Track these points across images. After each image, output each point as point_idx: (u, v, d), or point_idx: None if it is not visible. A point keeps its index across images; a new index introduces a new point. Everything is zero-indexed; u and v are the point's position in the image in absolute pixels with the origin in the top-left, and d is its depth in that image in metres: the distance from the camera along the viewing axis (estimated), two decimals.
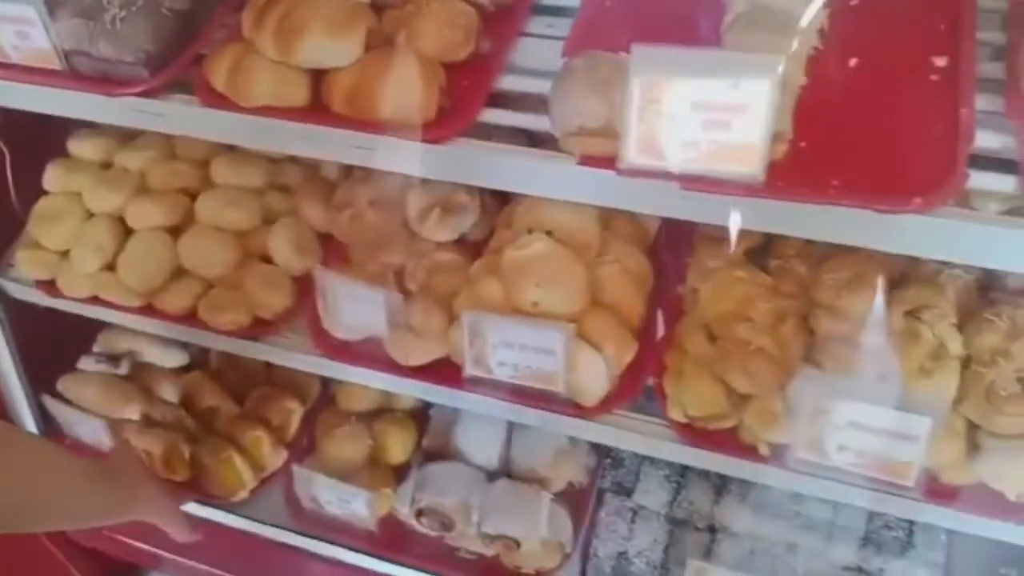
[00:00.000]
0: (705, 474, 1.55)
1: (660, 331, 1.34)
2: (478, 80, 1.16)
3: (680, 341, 1.26)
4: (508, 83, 1.19)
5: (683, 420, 1.22)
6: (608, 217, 1.35)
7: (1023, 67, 0.97)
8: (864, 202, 0.93)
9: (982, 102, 1.01)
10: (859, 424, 1.06)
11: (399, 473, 1.68)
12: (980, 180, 0.95)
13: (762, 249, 1.30)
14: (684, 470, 1.58)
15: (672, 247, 1.42)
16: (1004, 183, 0.95)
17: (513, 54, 1.22)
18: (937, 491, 1.12)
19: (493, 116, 1.15)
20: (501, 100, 1.18)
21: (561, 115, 1.04)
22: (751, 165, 0.95)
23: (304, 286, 1.53)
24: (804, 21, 1.07)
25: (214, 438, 1.74)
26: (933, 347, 1.08)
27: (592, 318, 1.23)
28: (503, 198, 1.44)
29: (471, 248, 1.44)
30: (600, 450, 1.67)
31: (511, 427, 1.62)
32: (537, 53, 1.22)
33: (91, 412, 1.77)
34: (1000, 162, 0.98)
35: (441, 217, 1.39)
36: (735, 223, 1.02)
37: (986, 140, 0.98)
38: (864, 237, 0.98)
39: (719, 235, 1.31)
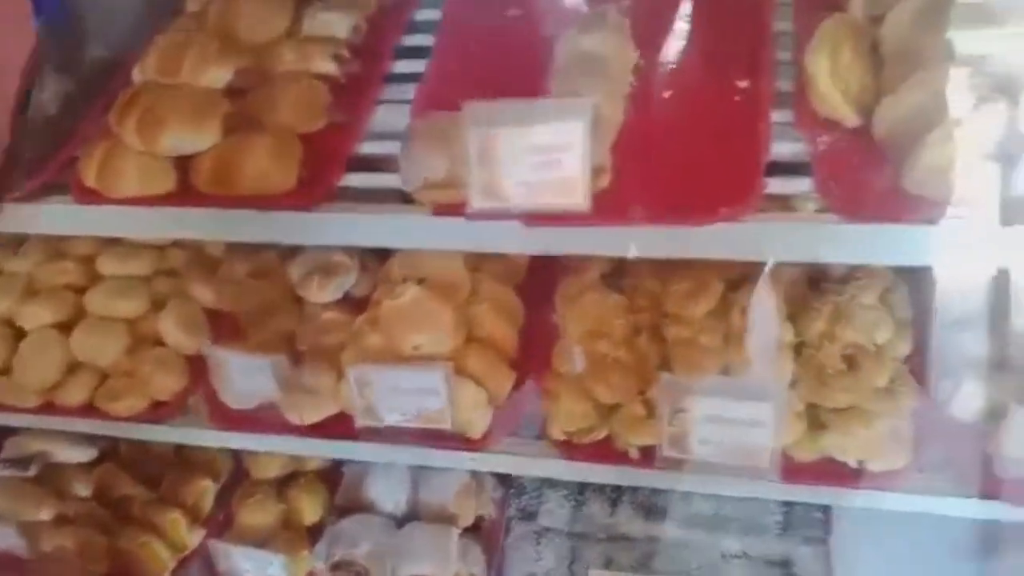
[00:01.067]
0: (601, 488, 1.63)
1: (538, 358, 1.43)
2: (336, 148, 1.24)
3: (554, 365, 1.34)
4: (370, 148, 1.27)
5: (562, 438, 1.30)
6: (479, 259, 1.44)
7: (804, 81, 1.09)
8: (679, 219, 1.04)
9: (781, 115, 1.14)
10: (713, 418, 1.15)
11: (315, 533, 1.70)
12: (787, 185, 1.07)
13: (620, 270, 1.40)
14: (582, 487, 1.65)
15: (544, 277, 1.51)
16: (802, 185, 1.07)
17: (373, 120, 1.30)
18: (792, 469, 1.23)
19: (356, 180, 1.23)
20: (366, 164, 1.27)
21: (409, 172, 1.13)
22: (577, 198, 1.05)
23: (200, 364, 1.56)
24: (619, 63, 1.19)
25: (131, 526, 1.73)
26: (768, 338, 1.19)
27: (469, 355, 1.31)
28: (383, 253, 1.52)
29: (357, 304, 1.50)
30: (506, 481, 1.73)
31: (415, 470, 1.67)
32: (393, 118, 1.32)
33: (2, 519, 1.75)
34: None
35: (322, 280, 1.46)
36: (575, 250, 1.12)
37: (785, 148, 1.11)
38: (687, 248, 1.08)
39: (577, 263, 1.41)
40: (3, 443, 1.88)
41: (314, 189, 1.18)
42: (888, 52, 1.05)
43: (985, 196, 0.95)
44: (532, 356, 1.39)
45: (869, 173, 1.01)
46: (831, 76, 1.02)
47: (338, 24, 1.35)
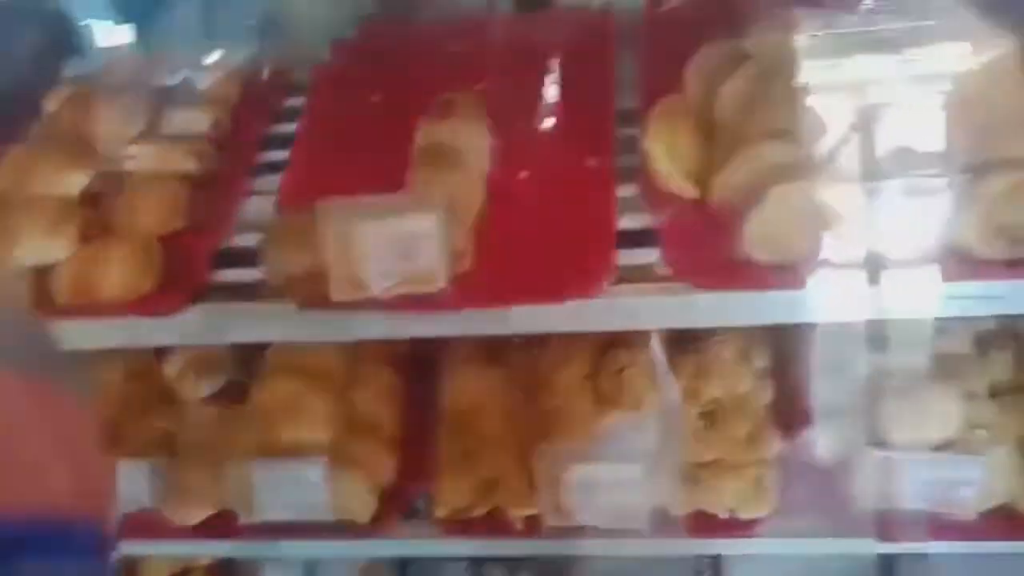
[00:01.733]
0: (499, 558, 1.63)
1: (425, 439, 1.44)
2: (200, 247, 1.23)
3: (439, 444, 1.35)
4: (243, 240, 1.26)
5: (449, 515, 1.30)
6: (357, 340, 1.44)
7: (644, 159, 1.15)
8: (536, 299, 1.08)
9: (629, 189, 1.19)
10: (589, 483, 1.18)
11: None
12: (637, 256, 1.12)
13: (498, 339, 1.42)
14: (480, 559, 1.65)
15: (425, 352, 1.52)
16: (651, 256, 1.12)
17: (243, 212, 1.30)
18: (671, 525, 1.26)
19: (229, 276, 1.22)
20: (240, 257, 1.26)
21: (272, 268, 1.13)
22: (438, 283, 1.07)
23: None
24: (474, 148, 1.23)
25: None
26: (634, 401, 1.23)
27: (349, 443, 1.30)
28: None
29: (237, 396, 1.48)
30: (404, 561, 1.71)
31: (310, 563, 1.64)
32: (262, 209, 1.31)
33: None
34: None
35: (198, 375, 1.44)
36: (441, 333, 1.14)
37: (635, 221, 1.16)
38: (549, 324, 1.12)
39: (454, 340, 1.43)
40: None
41: (175, 292, 1.17)
42: (720, 127, 1.12)
43: (815, 256, 1.02)
44: (416, 436, 1.40)
45: (710, 243, 1.07)
46: (668, 155, 1.08)
47: (197, 121, 1.35)
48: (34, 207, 1.18)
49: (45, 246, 1.16)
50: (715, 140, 1.12)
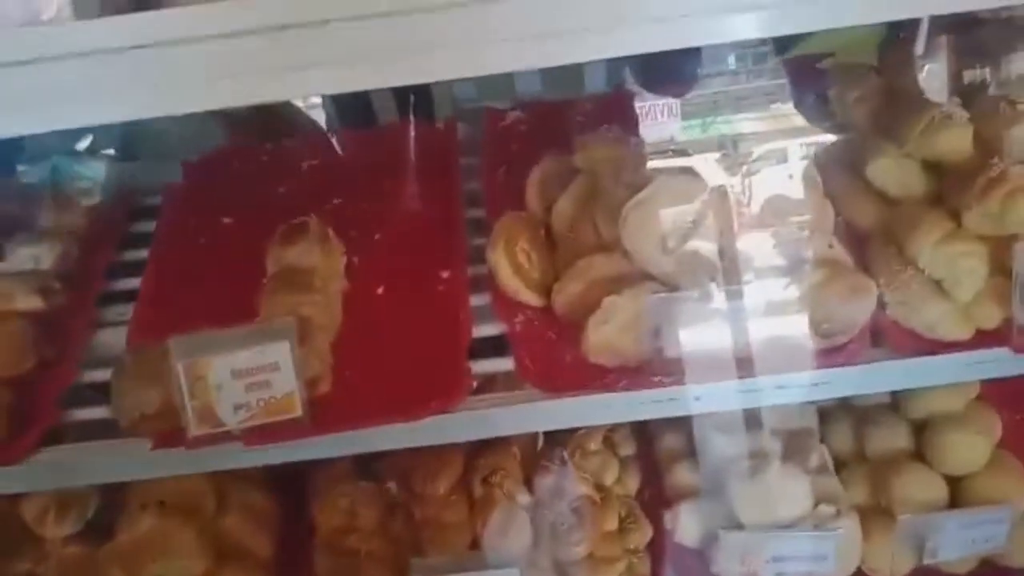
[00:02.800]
0: None
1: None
2: (49, 386, 1.19)
3: (314, 565, 1.32)
4: (94, 376, 1.23)
5: None
6: None
7: (492, 269, 1.19)
8: (392, 417, 1.09)
9: (482, 298, 1.23)
10: None
11: None
12: (492, 365, 1.15)
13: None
14: None
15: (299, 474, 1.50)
16: (506, 364, 1.15)
17: (94, 347, 1.28)
18: None
19: (80, 414, 1.19)
20: (87, 395, 1.23)
21: (122, 408, 1.11)
22: (295, 411, 1.07)
23: None
24: (327, 269, 1.25)
25: None
26: (505, 504, 1.25)
27: (222, 572, 1.27)
28: None
29: (106, 530, 1.41)
30: None
31: None
32: (115, 340, 1.29)
33: None
34: None
35: (58, 514, 1.37)
36: (304, 457, 1.13)
37: (491, 329, 1.19)
38: (410, 440, 1.13)
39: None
40: None
41: (22, 439, 1.13)
42: (559, 239, 1.17)
43: (658, 355, 1.07)
44: (291, 558, 1.37)
45: (557, 349, 1.12)
46: (511, 267, 1.12)
47: (43, 255, 1.32)
48: None
49: None
50: (555, 251, 1.17)
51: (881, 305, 1.07)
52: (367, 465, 1.39)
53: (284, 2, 0.72)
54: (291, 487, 1.42)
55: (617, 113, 1.32)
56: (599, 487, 1.29)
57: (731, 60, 1.91)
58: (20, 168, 1.50)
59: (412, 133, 1.48)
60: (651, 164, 1.17)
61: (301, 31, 0.72)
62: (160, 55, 0.74)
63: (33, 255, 1.32)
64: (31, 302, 1.24)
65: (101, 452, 1.14)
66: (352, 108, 1.85)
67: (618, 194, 1.10)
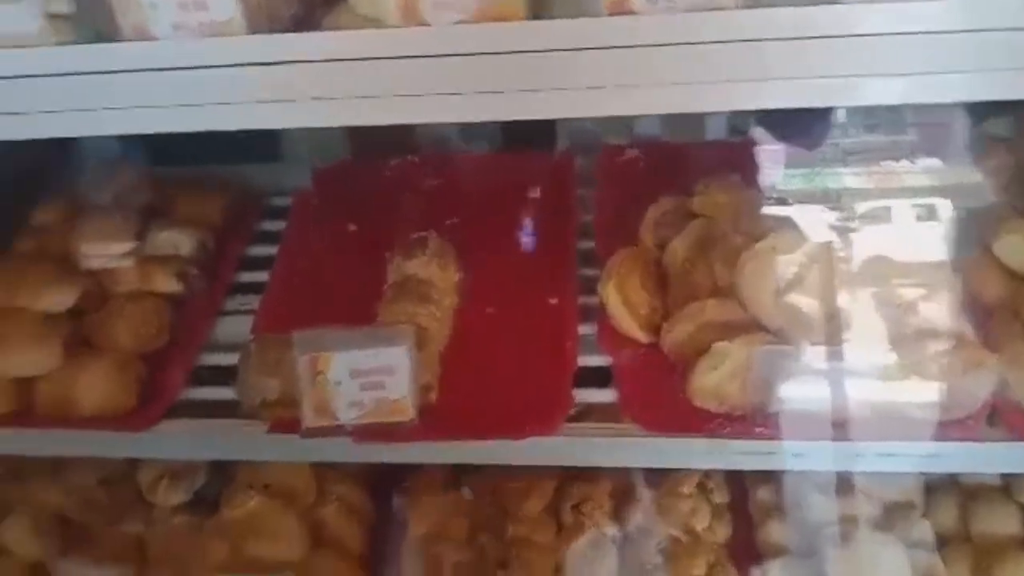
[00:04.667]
0: None
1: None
2: (176, 364, 1.28)
3: (402, 567, 1.37)
4: (215, 359, 1.31)
5: None
6: None
7: (603, 302, 1.21)
8: (495, 434, 1.12)
9: (591, 328, 1.25)
10: None
11: None
12: (595, 395, 1.17)
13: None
14: None
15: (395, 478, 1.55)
16: (608, 396, 1.17)
17: (217, 332, 1.36)
18: None
19: (201, 393, 1.27)
20: (212, 375, 1.31)
21: (244, 392, 1.18)
22: (406, 415, 1.12)
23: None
24: (443, 284, 1.29)
25: None
26: (594, 534, 1.26)
27: (316, 559, 1.32)
28: None
29: (210, 504, 1.50)
30: None
31: None
32: (237, 328, 1.37)
33: None
34: None
35: (170, 483, 1.46)
36: (407, 460, 1.18)
37: (596, 360, 1.21)
38: (507, 458, 1.16)
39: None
40: None
41: (151, 409, 1.21)
42: (671, 278, 1.18)
43: (762, 406, 1.07)
44: (380, 557, 1.41)
45: (661, 387, 1.13)
46: (622, 303, 1.14)
47: (183, 242, 1.41)
48: (22, 322, 1.23)
49: (31, 360, 1.21)
50: (667, 290, 1.18)
51: (1002, 383, 1.04)
52: (458, 476, 1.43)
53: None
54: (384, 487, 1.48)
55: (737, 160, 1.32)
56: (689, 531, 1.29)
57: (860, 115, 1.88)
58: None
59: (531, 161, 1.53)
60: (771, 214, 1.17)
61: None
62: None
63: (173, 241, 1.41)
64: (170, 285, 1.34)
65: (220, 430, 1.21)
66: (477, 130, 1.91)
67: (736, 241, 1.11)
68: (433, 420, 1.14)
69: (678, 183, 1.29)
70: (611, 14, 0.78)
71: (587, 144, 1.59)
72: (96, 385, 1.20)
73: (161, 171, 1.56)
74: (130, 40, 0.84)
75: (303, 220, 1.50)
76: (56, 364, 1.22)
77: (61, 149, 1.61)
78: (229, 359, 1.27)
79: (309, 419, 1.14)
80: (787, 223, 1.12)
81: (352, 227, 1.47)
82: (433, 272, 1.28)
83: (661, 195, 1.27)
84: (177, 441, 1.23)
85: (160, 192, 1.50)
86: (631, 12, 0.78)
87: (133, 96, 0.86)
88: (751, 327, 1.04)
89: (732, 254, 1.07)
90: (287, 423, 1.17)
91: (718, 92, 0.80)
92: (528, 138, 1.84)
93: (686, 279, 1.15)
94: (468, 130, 1.95)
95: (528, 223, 1.41)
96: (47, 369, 1.22)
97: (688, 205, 1.22)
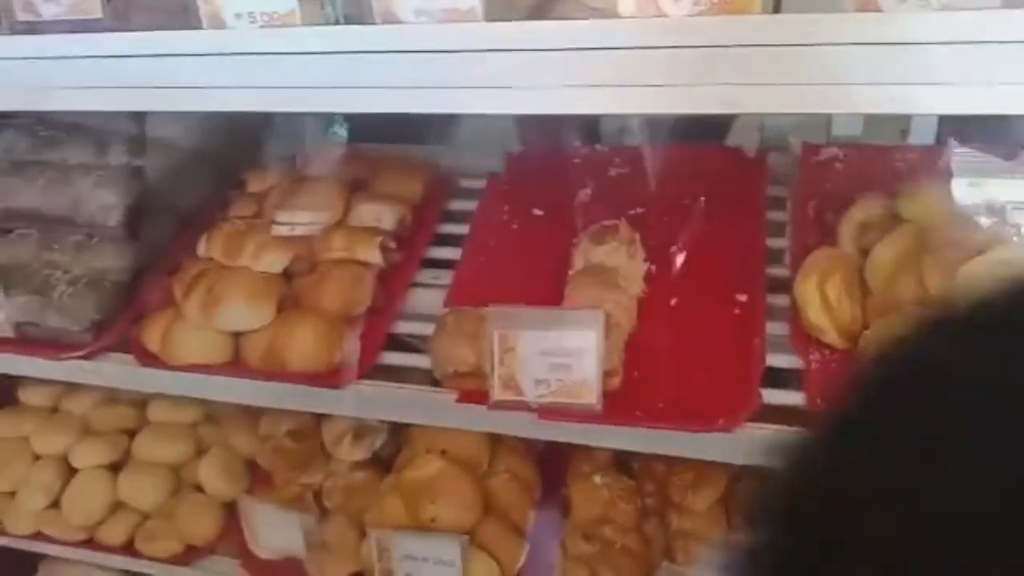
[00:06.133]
0: None
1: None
2: (374, 330, 1.34)
3: (565, 543, 1.39)
4: (405, 327, 1.38)
5: None
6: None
7: (799, 302, 1.18)
8: (679, 424, 1.12)
9: (777, 328, 1.22)
10: None
11: None
12: (782, 397, 1.14)
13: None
14: None
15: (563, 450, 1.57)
16: (796, 398, 1.14)
17: (408, 303, 1.42)
18: None
19: (393, 359, 1.33)
20: (401, 343, 1.37)
21: (438, 361, 1.23)
22: (590, 398, 1.13)
23: (236, 512, 1.62)
24: (630, 272, 1.30)
25: None
26: None
27: (485, 527, 1.36)
28: None
29: (384, 465, 1.57)
30: None
31: None
32: (427, 300, 1.42)
33: None
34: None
35: (353, 440, 1.54)
36: (585, 442, 1.19)
37: (781, 360, 1.19)
38: (686, 450, 1.15)
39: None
40: (39, 568, 1.95)
41: (350, 369, 1.27)
42: (873, 284, 1.14)
43: None
44: (544, 532, 1.44)
45: None
46: (820, 305, 1.11)
47: (385, 215, 1.47)
48: (240, 280, 1.32)
49: (249, 314, 1.30)
50: (866, 296, 1.14)
51: None
52: (626, 463, 1.43)
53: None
54: (550, 467, 1.50)
55: (943, 165, 1.25)
56: None
57: None
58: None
59: (723, 154, 1.50)
60: (987, 225, 1.10)
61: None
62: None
63: (377, 214, 1.48)
64: (373, 255, 1.40)
65: (411, 395, 1.26)
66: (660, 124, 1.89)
67: (948, 251, 1.05)
68: (615, 405, 1.15)
69: (881, 186, 1.23)
70: (859, 10, 0.76)
71: (774, 142, 1.55)
72: (303, 343, 1.28)
73: (364, 147, 1.65)
74: (378, 23, 0.90)
75: (494, 202, 1.53)
76: (269, 320, 1.31)
77: (274, 119, 1.72)
78: (421, 328, 1.34)
79: (497, 392, 1.17)
80: (1005, 234, 1.05)
81: (540, 211, 1.49)
82: (621, 260, 1.29)
83: (864, 197, 1.22)
84: (370, 402, 1.29)
85: (364, 167, 1.58)
86: (877, 10, 0.77)
87: (379, 76, 0.90)
88: None
89: (944, 265, 1.02)
90: (475, 394, 1.20)
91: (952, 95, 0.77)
92: (700, 133, 1.81)
93: (891, 286, 1.10)
94: (648, 121, 1.95)
95: (716, 217, 1.39)
96: (261, 325, 1.30)
97: (894, 209, 1.17)
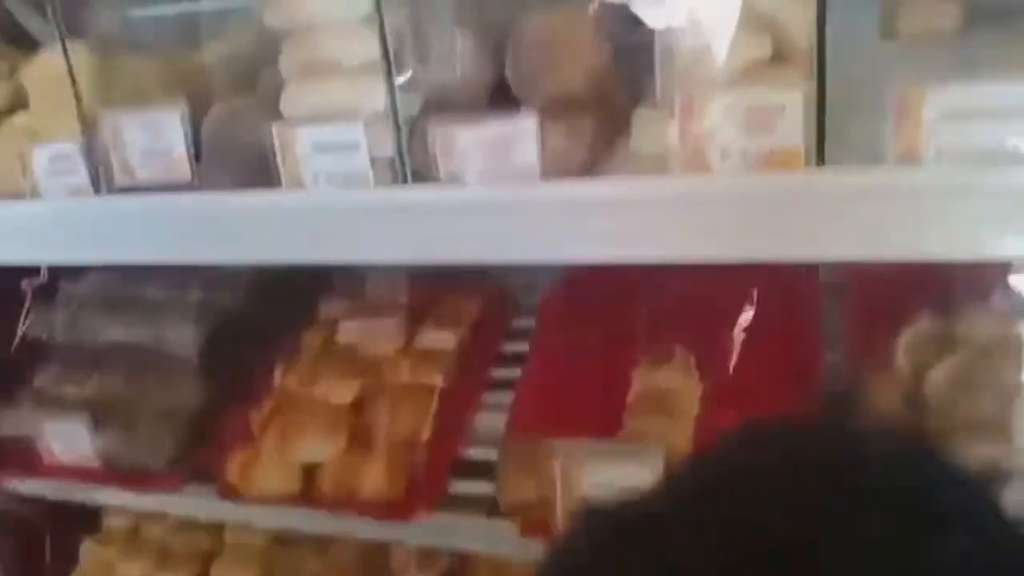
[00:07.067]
0: None
1: None
2: (440, 457, 1.36)
3: None
4: (474, 453, 1.38)
5: None
6: None
7: None
8: None
9: None
10: None
11: None
12: None
13: None
14: None
15: None
16: None
17: (476, 426, 1.43)
18: None
19: (459, 487, 1.34)
20: (469, 469, 1.37)
21: (502, 492, 1.23)
22: None
23: None
24: (686, 396, 1.30)
25: None
26: None
27: None
28: None
29: None
30: None
31: None
32: (494, 423, 1.42)
33: None
34: None
35: (419, 567, 1.54)
36: None
37: None
38: None
39: None
40: None
41: (420, 500, 1.29)
42: (929, 408, 1.12)
43: None
44: None
45: None
46: None
47: (445, 339, 1.51)
48: (315, 413, 1.37)
49: (320, 448, 1.33)
50: (924, 418, 1.12)
51: None
52: None
53: None
54: None
55: (1006, 283, 1.24)
56: None
57: None
58: None
59: (773, 267, 1.50)
60: None
61: None
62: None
63: (438, 339, 1.51)
64: (435, 380, 1.43)
65: (472, 526, 1.27)
66: None
67: (1009, 378, 1.04)
68: None
69: (938, 303, 1.22)
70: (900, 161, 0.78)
71: None
72: (371, 473, 1.30)
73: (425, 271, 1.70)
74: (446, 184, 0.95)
75: (551, 323, 1.55)
76: (338, 453, 1.34)
77: None
78: (488, 453, 1.34)
79: (562, 524, 1.17)
80: None
81: (596, 331, 1.51)
82: (678, 382, 1.29)
83: (918, 314, 1.21)
84: (434, 531, 1.30)
85: (426, 291, 1.63)
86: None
87: (445, 231, 0.95)
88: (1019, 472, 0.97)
89: (1003, 391, 1.01)
90: (539, 525, 1.20)
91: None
92: None
93: (948, 411, 1.09)
94: None
95: (771, 332, 1.38)
96: (332, 457, 1.34)
97: (951, 329, 1.16)
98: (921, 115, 0.77)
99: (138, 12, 1.36)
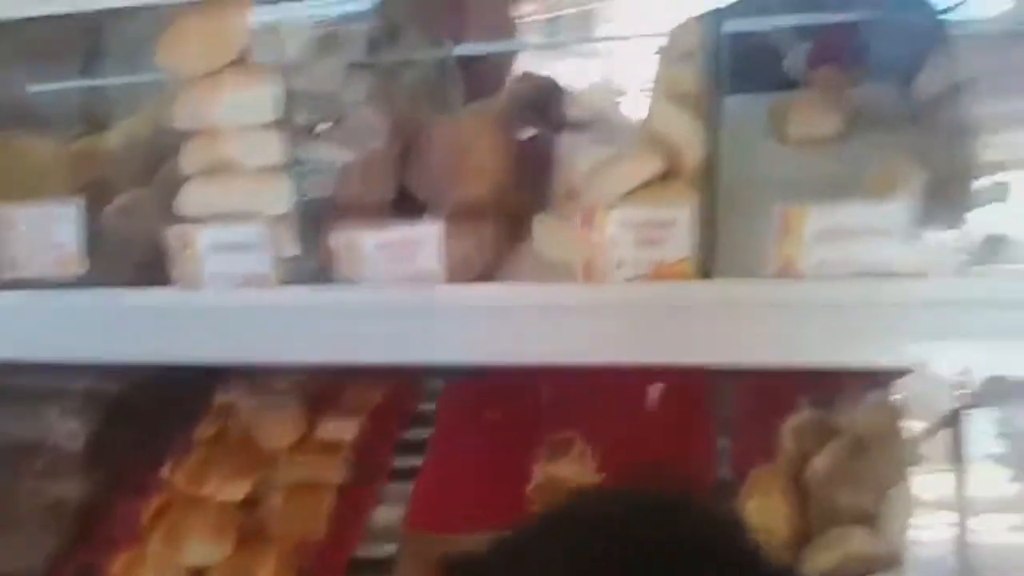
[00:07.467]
0: None
1: None
2: (335, 555, 1.31)
3: None
4: (370, 550, 1.33)
5: None
6: None
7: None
8: None
9: None
10: None
11: None
12: None
13: None
14: None
15: None
16: None
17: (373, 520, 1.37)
18: None
19: None
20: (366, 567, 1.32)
21: None
22: None
23: None
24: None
25: None
26: None
27: None
28: None
29: None
30: None
31: None
32: (393, 518, 1.37)
33: None
34: None
35: None
36: None
37: None
38: None
39: None
40: None
41: None
42: (812, 497, 1.17)
43: None
44: None
45: None
46: (760, 519, 1.13)
47: (347, 428, 1.47)
48: (204, 512, 1.30)
49: (209, 550, 1.27)
50: (807, 507, 1.17)
51: None
52: None
53: None
54: None
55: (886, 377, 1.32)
56: None
57: None
58: None
59: (666, 372, 1.55)
60: (920, 440, 1.15)
61: None
62: None
63: (339, 428, 1.48)
64: (335, 475, 1.39)
65: None
66: None
67: (884, 469, 1.09)
68: None
69: (820, 395, 1.29)
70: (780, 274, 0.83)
71: None
72: None
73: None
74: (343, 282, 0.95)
75: (451, 413, 1.55)
76: (229, 553, 1.27)
77: None
78: (386, 550, 1.30)
79: None
80: (936, 454, 1.10)
81: (497, 422, 1.51)
82: (576, 472, 1.31)
83: (802, 403, 1.27)
84: None
85: (329, 376, 1.58)
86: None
87: (344, 331, 0.95)
88: (896, 562, 1.02)
89: (880, 482, 1.06)
90: None
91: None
92: None
93: (829, 501, 1.14)
94: None
95: (664, 428, 1.42)
96: (222, 558, 1.27)
97: (831, 419, 1.22)
98: (802, 232, 0.83)
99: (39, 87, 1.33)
